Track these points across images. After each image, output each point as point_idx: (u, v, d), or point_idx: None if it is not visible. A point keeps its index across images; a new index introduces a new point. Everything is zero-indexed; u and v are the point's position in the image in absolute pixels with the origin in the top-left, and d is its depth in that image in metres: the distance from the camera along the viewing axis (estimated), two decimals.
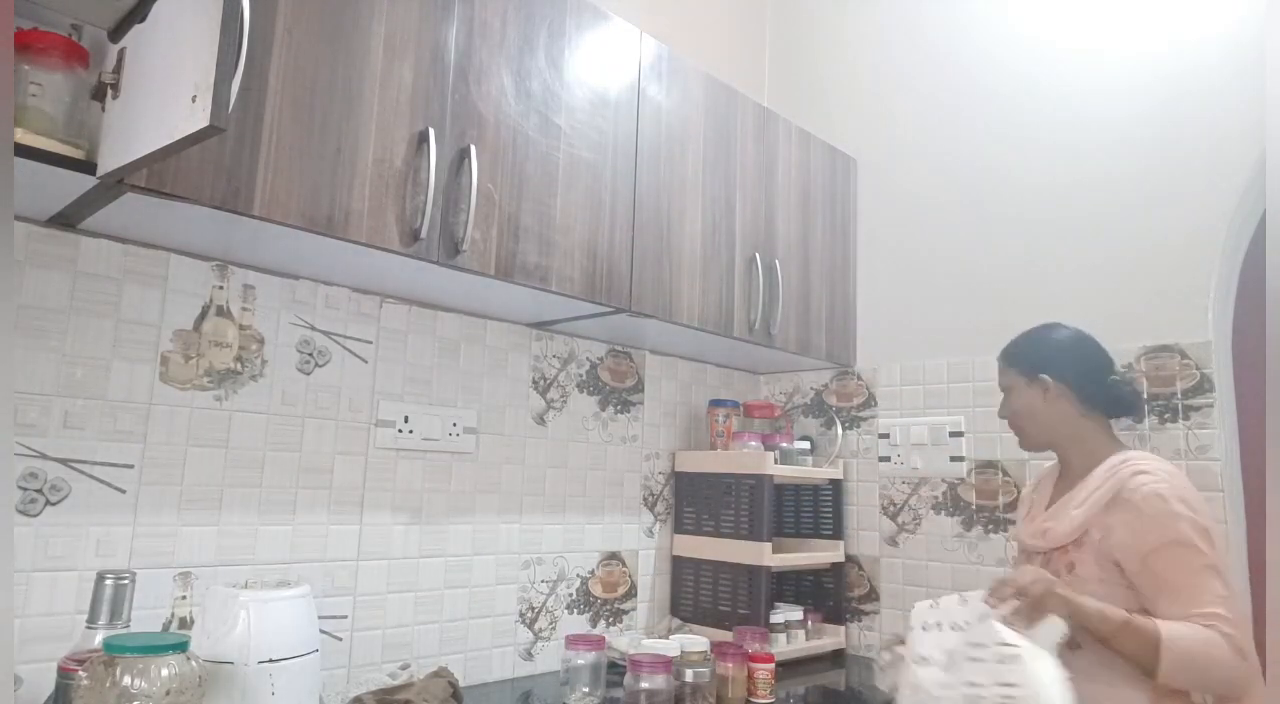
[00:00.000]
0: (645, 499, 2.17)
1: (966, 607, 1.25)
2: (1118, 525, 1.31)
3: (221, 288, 1.46)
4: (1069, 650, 1.22)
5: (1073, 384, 1.46)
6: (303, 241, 1.30)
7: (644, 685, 1.52)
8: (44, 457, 1.25)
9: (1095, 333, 1.90)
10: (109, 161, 1.02)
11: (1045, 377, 1.47)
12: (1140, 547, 1.28)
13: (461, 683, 1.52)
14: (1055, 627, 1.20)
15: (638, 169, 1.76)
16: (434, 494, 1.73)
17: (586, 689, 1.57)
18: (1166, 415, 1.80)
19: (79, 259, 1.31)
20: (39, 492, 1.25)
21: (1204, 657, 1.19)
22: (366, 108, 1.31)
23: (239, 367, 1.47)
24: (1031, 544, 1.46)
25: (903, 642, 1.36)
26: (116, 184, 1.06)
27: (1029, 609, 1.21)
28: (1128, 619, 1.23)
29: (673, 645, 1.65)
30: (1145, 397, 1.82)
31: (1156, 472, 1.32)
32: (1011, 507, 1.97)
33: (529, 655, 1.86)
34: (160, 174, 1.07)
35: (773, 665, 1.68)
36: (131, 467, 1.34)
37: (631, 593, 2.10)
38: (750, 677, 1.67)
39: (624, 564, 2.09)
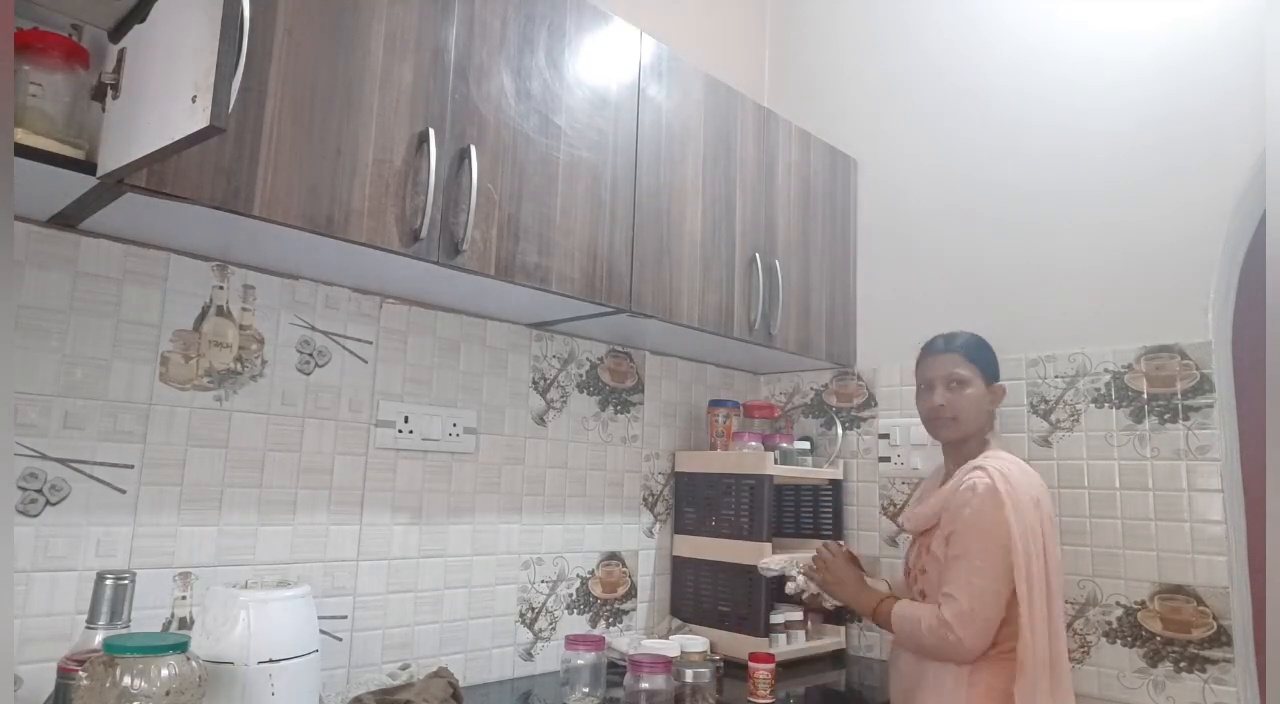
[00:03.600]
0: (645, 499, 2.17)
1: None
2: (949, 511, 1.53)
3: (221, 288, 1.46)
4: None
5: (998, 389, 1.67)
6: (303, 242, 1.30)
7: (644, 685, 1.52)
8: (44, 457, 1.25)
9: (1096, 333, 1.92)
10: (109, 161, 1.02)
11: (1003, 386, 1.68)
12: (949, 528, 1.52)
13: (461, 683, 1.52)
14: None
15: (638, 169, 1.76)
16: (434, 494, 1.73)
17: (586, 689, 1.57)
18: (1166, 415, 1.80)
19: (79, 259, 1.31)
20: (39, 492, 1.25)
21: (913, 629, 1.50)
22: (366, 108, 1.30)
23: (239, 367, 1.47)
24: (905, 527, 1.72)
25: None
26: (116, 184, 1.06)
27: (821, 587, 1.75)
28: (875, 606, 1.60)
29: (672, 645, 1.65)
30: (1146, 396, 1.83)
31: (990, 469, 1.50)
32: None
33: (529, 655, 1.86)
34: (160, 174, 1.07)
35: (773, 665, 1.68)
36: (131, 467, 1.34)
37: (631, 593, 2.10)
38: (750, 677, 1.67)
39: (624, 564, 2.09)
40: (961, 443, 1.63)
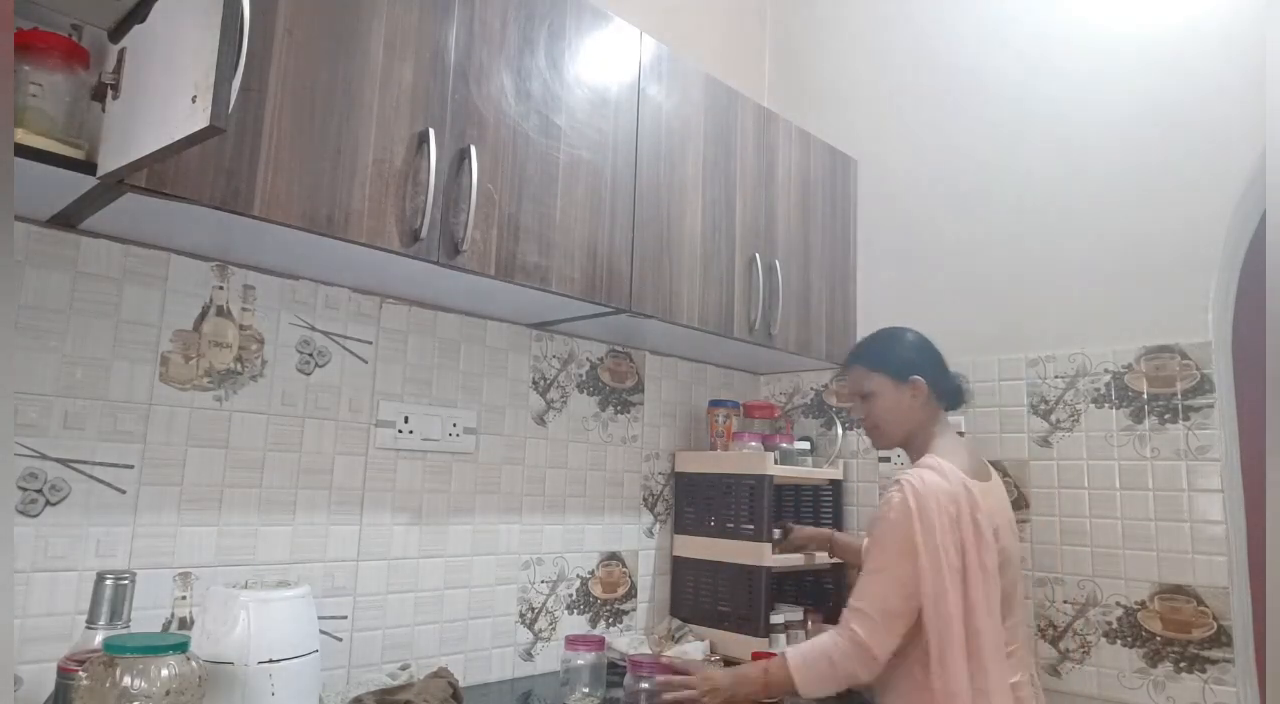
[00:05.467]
0: (645, 499, 2.17)
1: None
2: (872, 524, 1.49)
3: (221, 288, 1.46)
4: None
5: (932, 382, 1.58)
6: (303, 241, 1.30)
7: (644, 686, 1.52)
8: (44, 457, 1.25)
9: (1096, 333, 1.92)
10: (109, 162, 1.02)
11: (918, 377, 1.57)
12: (870, 541, 1.48)
13: (461, 683, 1.52)
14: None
15: (638, 169, 1.76)
16: (434, 494, 1.73)
17: (586, 689, 1.57)
18: (1166, 415, 1.80)
19: (79, 259, 1.31)
20: (39, 492, 1.25)
21: (825, 662, 1.39)
22: (366, 108, 1.30)
23: (239, 367, 1.47)
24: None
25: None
26: (116, 184, 1.06)
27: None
28: (763, 673, 1.43)
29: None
30: (1146, 396, 1.83)
31: (905, 481, 1.43)
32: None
33: (529, 656, 1.86)
34: (160, 174, 1.07)
35: None
36: (131, 467, 1.34)
37: (631, 593, 2.10)
38: None
39: (624, 564, 2.09)
40: (905, 447, 1.60)
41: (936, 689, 1.35)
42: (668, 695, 1.45)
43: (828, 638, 1.42)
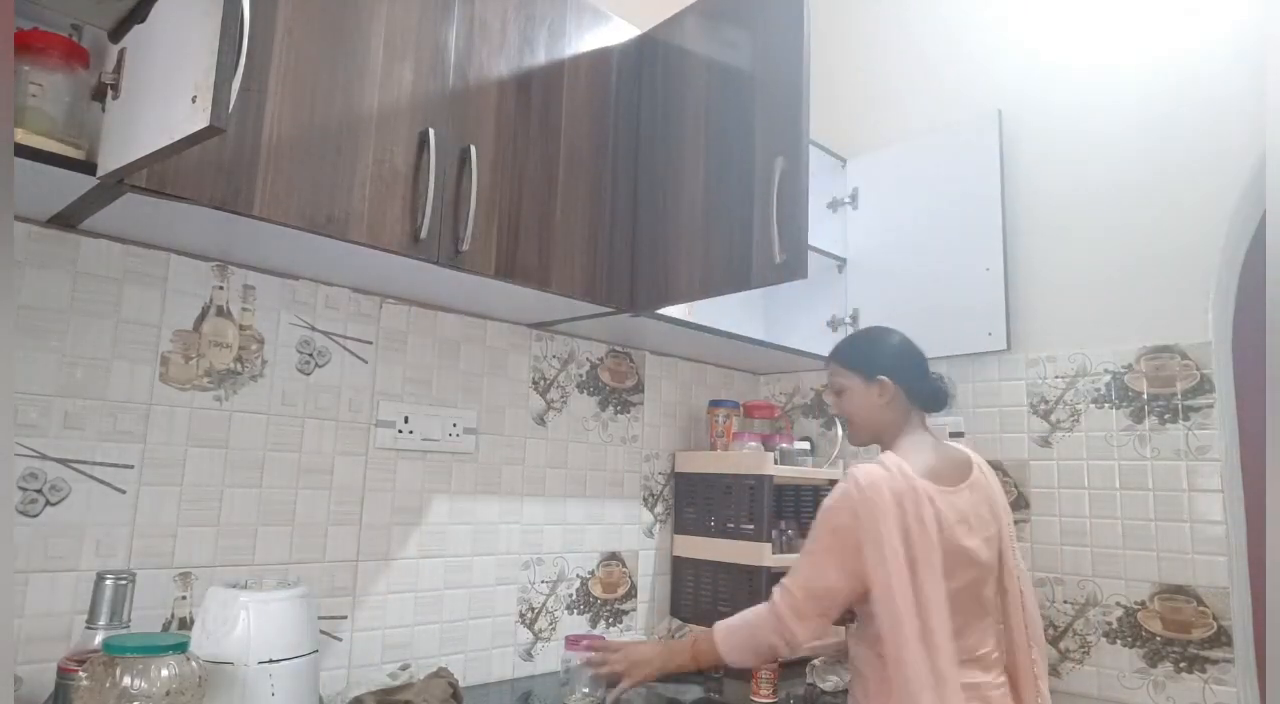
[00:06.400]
0: (645, 500, 2.17)
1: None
2: None
3: (221, 288, 1.46)
4: None
5: (904, 384, 1.57)
6: (303, 242, 1.30)
7: (574, 663, 1.55)
8: (44, 457, 1.25)
9: (1096, 333, 1.92)
10: (109, 162, 1.02)
11: (884, 378, 1.56)
12: None
13: (461, 683, 1.51)
14: None
15: (638, 168, 1.76)
16: (434, 494, 1.73)
17: (586, 689, 1.57)
18: (1166, 415, 1.80)
19: (79, 259, 1.31)
20: (39, 492, 1.25)
21: (746, 630, 1.49)
22: (366, 108, 1.30)
23: (239, 367, 1.47)
24: None
25: None
26: (116, 184, 1.06)
27: (628, 679, 1.53)
28: (691, 644, 1.54)
29: None
30: (1146, 396, 1.83)
31: (850, 473, 1.45)
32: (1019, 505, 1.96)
33: (529, 656, 1.86)
34: (160, 174, 1.07)
35: (775, 665, 1.68)
36: (131, 467, 1.34)
37: (631, 593, 2.10)
38: (753, 676, 1.67)
39: (624, 565, 2.09)
40: (880, 443, 1.58)
41: (894, 680, 1.34)
42: (594, 671, 1.54)
43: (754, 610, 1.50)
